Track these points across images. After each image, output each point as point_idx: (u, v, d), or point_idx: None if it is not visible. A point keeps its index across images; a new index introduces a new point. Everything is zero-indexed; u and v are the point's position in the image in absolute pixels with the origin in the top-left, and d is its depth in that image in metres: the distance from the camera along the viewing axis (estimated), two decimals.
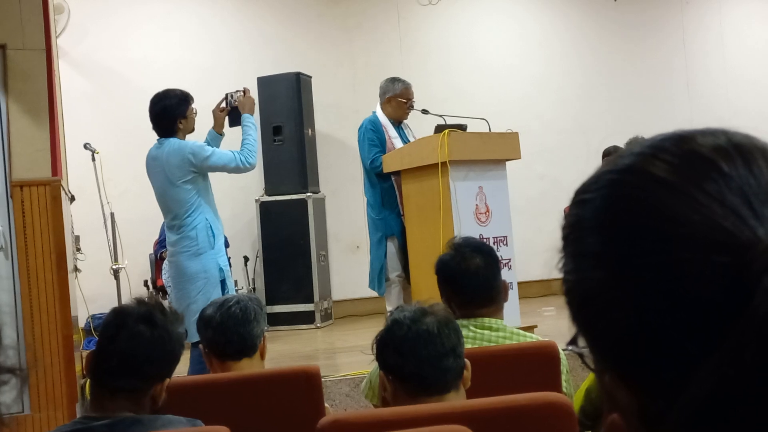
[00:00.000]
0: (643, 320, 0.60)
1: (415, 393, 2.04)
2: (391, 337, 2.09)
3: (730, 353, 0.56)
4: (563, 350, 2.80)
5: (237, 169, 4.76)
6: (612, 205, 0.64)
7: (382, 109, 5.86)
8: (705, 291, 0.58)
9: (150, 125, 4.69)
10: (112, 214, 6.29)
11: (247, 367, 2.74)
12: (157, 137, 4.70)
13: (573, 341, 0.70)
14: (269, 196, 7.57)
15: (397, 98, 5.81)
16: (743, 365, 0.56)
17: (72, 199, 5.92)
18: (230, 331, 2.73)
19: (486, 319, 2.80)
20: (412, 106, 5.87)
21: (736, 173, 0.61)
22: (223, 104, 4.96)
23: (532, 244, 7.53)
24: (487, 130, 5.68)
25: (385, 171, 5.61)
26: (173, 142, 4.62)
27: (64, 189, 4.97)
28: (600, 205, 0.65)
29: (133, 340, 2.04)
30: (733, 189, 0.60)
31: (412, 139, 5.85)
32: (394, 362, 2.08)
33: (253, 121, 4.88)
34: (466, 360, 2.12)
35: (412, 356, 2.05)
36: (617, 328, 0.62)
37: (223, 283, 4.66)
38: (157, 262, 7.05)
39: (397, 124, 5.88)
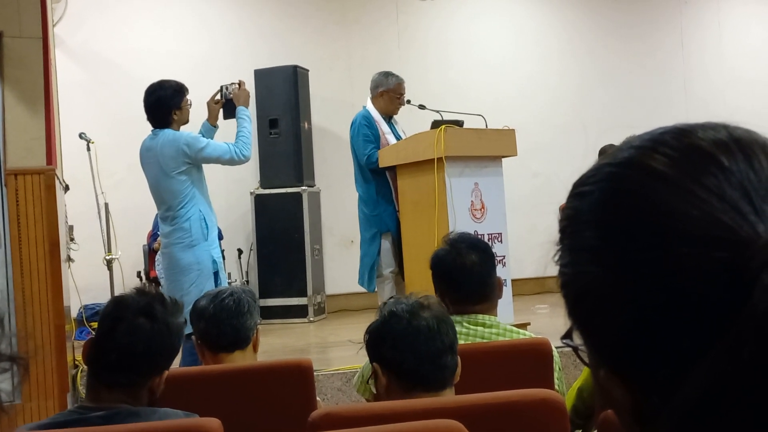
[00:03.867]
0: (639, 316, 0.60)
1: (412, 389, 2.00)
2: (388, 330, 2.03)
3: (727, 351, 0.55)
4: (556, 348, 2.81)
5: (231, 161, 4.75)
6: (610, 199, 0.64)
7: (373, 103, 5.85)
8: (703, 287, 0.57)
9: (145, 116, 4.68)
10: (106, 205, 6.26)
11: (239, 360, 2.74)
12: (152, 128, 4.70)
13: (568, 335, 0.69)
14: (264, 189, 7.56)
15: (390, 92, 5.81)
16: (741, 363, 0.55)
17: (66, 188, 5.90)
18: (223, 323, 2.73)
19: (480, 316, 2.80)
20: (404, 102, 5.87)
21: (736, 168, 0.60)
22: (218, 96, 4.95)
23: (526, 242, 7.54)
24: (484, 127, 5.67)
25: (380, 166, 5.60)
26: (168, 133, 4.61)
27: (58, 178, 4.95)
28: (598, 199, 0.64)
29: (132, 336, 2.02)
30: (733, 184, 0.60)
31: (402, 134, 5.84)
32: (392, 357, 2.02)
33: (248, 113, 4.88)
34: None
35: (411, 352, 2.00)
36: (613, 323, 0.62)
37: (216, 275, 4.65)
38: (150, 253, 7.03)
39: (388, 118, 5.87)
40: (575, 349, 0.69)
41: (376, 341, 2.07)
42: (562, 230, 0.68)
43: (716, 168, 0.61)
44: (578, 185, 0.68)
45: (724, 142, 0.62)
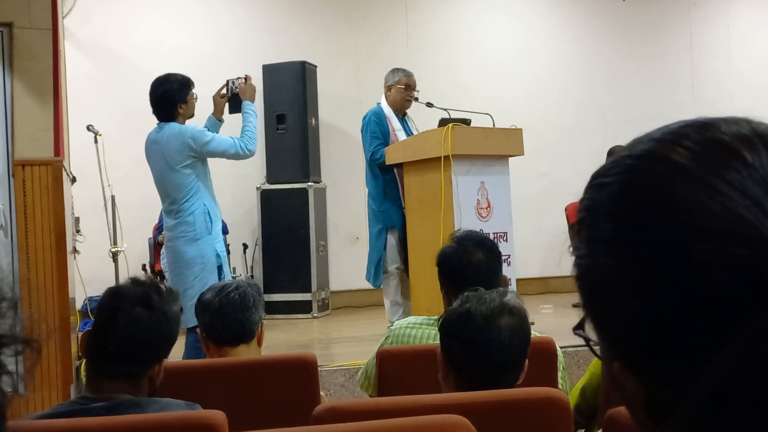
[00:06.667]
0: (655, 310, 0.59)
1: (465, 389, 2.02)
2: (459, 328, 2.03)
3: (743, 347, 0.55)
4: (560, 347, 2.80)
5: (236, 156, 4.75)
6: (629, 191, 0.63)
7: (385, 99, 5.86)
8: (721, 283, 0.57)
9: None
10: (112, 197, 6.27)
11: (244, 354, 2.74)
12: (157, 121, 4.70)
13: (580, 326, 0.69)
14: (270, 184, 7.56)
15: (397, 85, 5.81)
16: (757, 360, 0.55)
17: (73, 180, 5.92)
18: (228, 316, 2.72)
19: None
20: (414, 96, 5.86)
21: (759, 163, 0.59)
22: (224, 90, 4.95)
23: (531, 242, 7.54)
24: (491, 126, 5.67)
25: (387, 163, 5.60)
26: (173, 126, 4.61)
27: (65, 170, 4.97)
28: (617, 191, 0.64)
29: (131, 326, 2.02)
30: (756, 179, 0.59)
31: (415, 132, 5.84)
32: (459, 359, 2.04)
33: (253, 108, 4.87)
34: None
35: (477, 362, 2.00)
36: (628, 316, 0.61)
37: (219, 269, 4.65)
38: (156, 246, 7.04)
39: (401, 115, 5.87)
40: (587, 341, 0.68)
41: (448, 334, 2.07)
42: (580, 221, 0.67)
43: (739, 163, 0.60)
44: (597, 176, 0.67)
45: (748, 137, 0.61)
